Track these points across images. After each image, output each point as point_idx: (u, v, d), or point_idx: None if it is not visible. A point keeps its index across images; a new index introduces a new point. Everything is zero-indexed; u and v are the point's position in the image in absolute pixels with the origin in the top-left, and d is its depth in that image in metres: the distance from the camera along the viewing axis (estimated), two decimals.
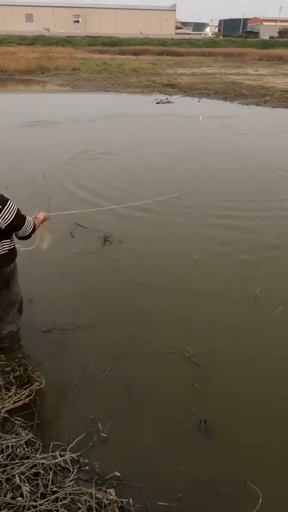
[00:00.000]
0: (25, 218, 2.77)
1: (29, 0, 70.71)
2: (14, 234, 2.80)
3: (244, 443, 2.51)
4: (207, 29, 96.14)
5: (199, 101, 16.49)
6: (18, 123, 11.53)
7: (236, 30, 77.37)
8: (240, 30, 78.34)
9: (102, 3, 76.76)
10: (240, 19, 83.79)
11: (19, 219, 2.72)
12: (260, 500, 2.14)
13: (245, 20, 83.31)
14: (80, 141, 9.64)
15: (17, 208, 2.70)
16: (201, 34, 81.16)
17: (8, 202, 2.64)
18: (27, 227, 2.77)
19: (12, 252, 2.83)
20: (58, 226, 5.02)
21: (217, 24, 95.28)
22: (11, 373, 2.83)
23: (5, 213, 2.61)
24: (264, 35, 63.91)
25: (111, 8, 75.18)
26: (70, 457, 2.28)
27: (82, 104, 15.70)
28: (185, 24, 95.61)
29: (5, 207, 2.62)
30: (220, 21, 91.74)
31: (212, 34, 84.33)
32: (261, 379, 2.98)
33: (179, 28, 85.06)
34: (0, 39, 44.14)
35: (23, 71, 24.74)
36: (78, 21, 73.68)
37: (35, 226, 2.85)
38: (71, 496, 2.07)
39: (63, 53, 34.05)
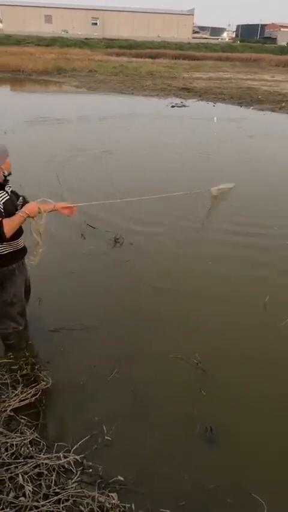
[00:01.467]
0: None
1: (48, 2, 71.65)
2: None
3: (250, 452, 2.47)
4: (225, 34, 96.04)
5: (214, 105, 16.45)
6: (38, 119, 11.66)
7: (253, 36, 77.10)
8: (258, 36, 78.04)
9: (121, 6, 77.32)
10: (258, 25, 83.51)
11: None
12: None
13: (263, 26, 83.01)
14: (90, 139, 9.70)
15: None
16: (218, 39, 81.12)
17: None
18: None
19: (8, 256, 2.71)
20: (69, 227, 5.08)
21: (234, 29, 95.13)
22: (18, 371, 2.83)
23: None
24: (282, 41, 63.52)
25: (130, 11, 75.58)
26: (74, 458, 2.27)
27: (99, 104, 15.78)
28: (203, 28, 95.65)
29: None
30: (238, 26, 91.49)
31: (229, 39, 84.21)
32: (269, 385, 2.94)
33: (197, 32, 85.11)
34: (19, 39, 44.76)
35: (40, 71, 24.99)
36: (96, 24, 74.21)
37: (1, 228, 2.49)
38: (74, 498, 2.05)
39: (80, 54, 34.34)
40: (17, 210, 2.73)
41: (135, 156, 8.83)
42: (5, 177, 2.62)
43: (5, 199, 2.58)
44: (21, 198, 2.86)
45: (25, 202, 2.82)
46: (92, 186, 6.70)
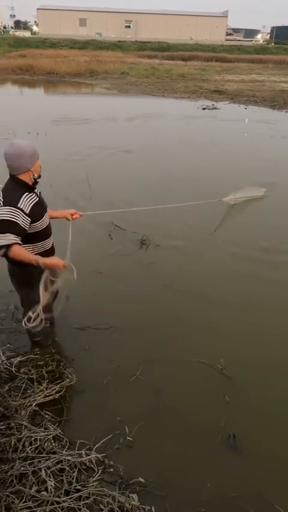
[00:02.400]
0: (2, 232, 2.43)
1: (83, 6, 72.91)
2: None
3: (273, 461, 2.41)
4: (259, 36, 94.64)
5: (246, 108, 16.23)
6: (68, 119, 11.86)
7: None
8: None
9: (154, 9, 77.67)
10: None
11: None
12: None
13: None
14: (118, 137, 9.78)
15: (4, 218, 2.42)
16: (252, 41, 79.99)
17: (6, 207, 2.45)
18: None
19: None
20: (97, 226, 5.14)
21: (269, 31, 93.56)
22: (44, 367, 2.88)
23: None
24: None
25: (163, 14, 75.80)
26: (96, 457, 2.29)
27: (128, 106, 15.90)
28: (236, 30, 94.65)
29: (1, 208, 2.45)
30: (272, 28, 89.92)
31: (263, 41, 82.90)
32: None
33: (230, 34, 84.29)
34: (54, 42, 45.83)
35: (73, 73, 25.50)
36: (129, 27, 74.91)
37: (6, 250, 2.45)
38: (94, 497, 2.07)
39: (112, 57, 34.77)
40: (46, 210, 2.76)
41: (165, 155, 8.83)
42: (35, 179, 2.64)
43: (34, 202, 2.60)
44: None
45: None
46: (118, 187, 6.75)
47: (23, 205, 2.50)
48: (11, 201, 2.48)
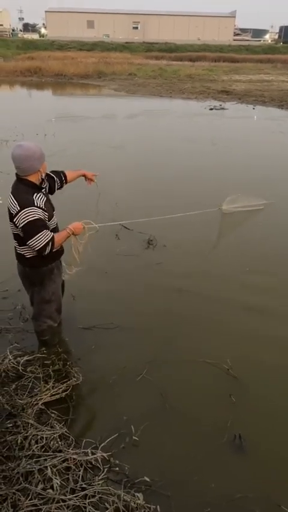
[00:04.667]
0: (37, 232, 2.53)
1: (90, 8, 73.27)
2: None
3: (279, 462, 2.40)
4: (267, 36, 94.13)
5: (254, 108, 16.16)
6: (74, 118, 11.91)
7: None
8: None
9: (161, 10, 77.73)
10: None
11: (29, 230, 2.53)
12: None
13: None
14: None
15: (34, 218, 2.50)
16: (260, 41, 79.58)
17: (27, 209, 2.50)
18: (35, 241, 2.54)
19: (48, 256, 2.72)
20: (104, 227, 5.13)
21: (277, 31, 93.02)
22: (51, 366, 2.90)
23: (19, 217, 2.51)
24: None
25: (170, 15, 75.82)
26: (101, 455, 2.29)
27: (134, 106, 15.94)
28: (244, 30, 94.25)
29: (22, 212, 2.50)
30: (281, 27, 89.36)
31: (271, 41, 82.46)
32: None
33: (238, 35, 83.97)
34: (62, 44, 46.14)
35: (81, 75, 25.65)
36: (137, 28, 75.06)
37: (51, 244, 2.59)
38: (100, 495, 2.08)
39: (120, 58, 34.89)
40: (53, 208, 2.81)
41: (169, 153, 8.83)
42: (42, 179, 2.68)
43: (44, 200, 2.65)
44: (55, 178, 2.92)
45: (60, 178, 2.95)
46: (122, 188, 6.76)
47: (39, 204, 2.57)
48: (28, 202, 2.53)
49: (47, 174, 2.79)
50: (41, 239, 2.55)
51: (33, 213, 2.51)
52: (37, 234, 2.54)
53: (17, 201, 2.54)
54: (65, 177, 2.98)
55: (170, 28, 73.48)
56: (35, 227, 2.53)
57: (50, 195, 2.85)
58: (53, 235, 2.61)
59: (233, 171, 8.01)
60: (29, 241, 2.56)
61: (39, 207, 2.56)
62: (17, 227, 2.60)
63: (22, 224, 2.52)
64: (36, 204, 2.55)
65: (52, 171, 2.91)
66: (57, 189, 2.94)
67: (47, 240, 2.56)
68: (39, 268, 2.82)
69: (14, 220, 2.56)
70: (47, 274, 2.87)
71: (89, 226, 2.89)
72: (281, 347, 3.30)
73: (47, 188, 2.82)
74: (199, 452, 2.43)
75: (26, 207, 2.50)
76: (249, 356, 3.18)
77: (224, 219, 5.28)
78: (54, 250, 2.66)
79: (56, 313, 3.09)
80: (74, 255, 2.96)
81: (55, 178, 2.89)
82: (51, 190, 2.88)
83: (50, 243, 2.59)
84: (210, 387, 2.89)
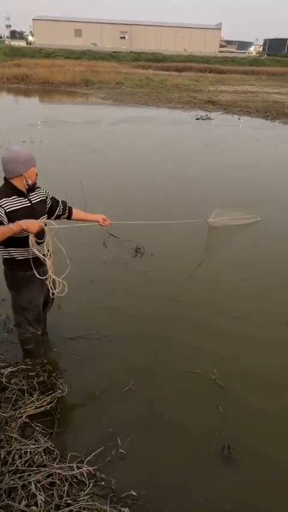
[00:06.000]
0: None
1: (78, 17, 73.77)
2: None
3: (269, 472, 2.38)
4: (252, 48, 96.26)
5: (239, 118, 16.43)
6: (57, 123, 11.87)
7: (281, 50, 76.92)
8: (286, 50, 77.83)
9: (149, 21, 78.75)
10: (286, 39, 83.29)
11: None
12: None
13: None
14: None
15: None
16: (245, 53, 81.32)
17: None
18: None
19: (20, 263, 2.69)
20: (91, 235, 5.12)
21: (262, 44, 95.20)
22: (35, 377, 2.84)
23: None
24: None
25: (157, 26, 76.91)
26: (87, 470, 2.25)
27: (119, 114, 16.04)
28: (229, 42, 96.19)
29: None
30: (265, 40, 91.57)
31: (256, 53, 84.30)
32: None
33: (223, 46, 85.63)
34: (49, 52, 46.22)
35: (68, 83, 25.71)
36: (124, 37, 75.87)
37: None
38: (85, 511, 2.02)
39: (107, 67, 35.13)
40: (42, 217, 2.74)
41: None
42: (28, 185, 2.63)
43: (20, 206, 2.59)
44: (60, 203, 2.90)
45: (65, 207, 2.93)
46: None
47: (5, 205, 2.52)
48: None
49: (53, 198, 2.84)
50: None
51: None
52: None
53: None
54: (70, 211, 2.97)
55: (157, 38, 74.52)
56: None
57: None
58: None
59: (219, 179, 8.09)
60: None
61: (1, 207, 2.52)
62: None
63: None
64: (1, 203, 2.51)
65: (63, 201, 2.93)
66: (60, 215, 2.91)
67: None
68: (16, 272, 2.77)
69: None
70: (23, 282, 2.80)
71: (50, 227, 2.74)
72: (268, 356, 3.31)
73: (47, 208, 2.81)
74: (187, 464, 2.40)
75: None
76: (237, 365, 3.18)
77: (212, 229, 5.33)
78: None
79: (35, 321, 3.00)
80: (44, 262, 2.76)
81: (59, 203, 2.90)
82: (52, 212, 2.86)
83: None
84: (198, 397, 2.87)
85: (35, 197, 2.70)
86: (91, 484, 2.20)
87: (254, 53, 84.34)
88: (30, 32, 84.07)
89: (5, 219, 2.53)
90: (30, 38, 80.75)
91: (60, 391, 2.75)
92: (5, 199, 2.53)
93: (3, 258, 2.74)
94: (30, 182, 2.62)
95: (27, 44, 70.22)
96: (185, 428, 2.62)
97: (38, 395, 2.68)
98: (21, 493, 2.06)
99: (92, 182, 7.17)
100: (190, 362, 3.14)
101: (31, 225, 2.55)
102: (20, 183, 2.59)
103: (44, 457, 2.28)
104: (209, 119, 15.99)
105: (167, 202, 6.55)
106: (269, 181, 8.27)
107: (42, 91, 23.55)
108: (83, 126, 13.30)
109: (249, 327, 3.65)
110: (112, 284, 4.22)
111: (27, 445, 2.32)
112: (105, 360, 3.15)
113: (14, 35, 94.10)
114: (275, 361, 3.26)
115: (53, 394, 2.70)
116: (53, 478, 2.17)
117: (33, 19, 74.24)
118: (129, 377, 2.95)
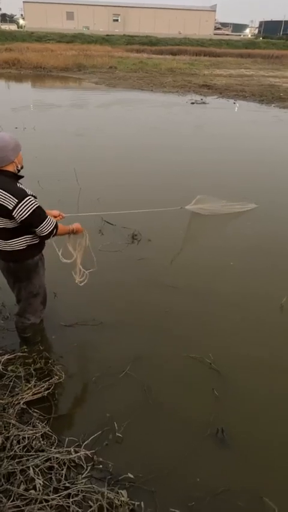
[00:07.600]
0: (44, 218, 2.61)
1: None
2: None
3: (262, 456, 2.43)
4: (247, 30, 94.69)
5: (235, 103, 16.25)
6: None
7: (276, 32, 75.76)
8: (281, 32, 76.63)
9: (142, 3, 76.98)
10: (282, 21, 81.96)
11: (36, 217, 2.55)
12: None
13: (286, 22, 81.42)
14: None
15: (36, 206, 2.53)
16: (240, 35, 79.95)
17: (26, 199, 2.49)
18: (44, 227, 2.60)
19: (36, 247, 2.76)
20: (87, 223, 5.07)
21: (257, 26, 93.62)
22: (32, 364, 2.85)
23: (20, 209, 2.47)
24: None
25: (151, 8, 75.23)
26: (84, 454, 2.28)
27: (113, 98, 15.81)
28: (225, 25, 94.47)
29: (22, 203, 2.47)
30: (260, 22, 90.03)
31: (251, 35, 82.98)
32: (284, 387, 2.88)
33: (218, 29, 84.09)
34: (40, 36, 45.21)
35: (61, 68, 25.19)
36: (117, 20, 74.25)
37: (56, 227, 2.71)
38: (83, 494, 2.06)
39: (101, 51, 34.43)
40: None
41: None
42: (18, 170, 2.63)
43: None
44: None
45: None
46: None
47: (30, 192, 2.59)
48: (23, 192, 2.52)
49: None
50: (49, 224, 2.64)
51: (34, 201, 2.54)
52: (45, 220, 2.61)
53: (11, 194, 2.47)
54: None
55: (150, 21, 72.97)
56: (41, 213, 2.60)
57: None
58: (56, 221, 2.74)
59: (210, 164, 8.04)
60: (39, 228, 2.60)
61: (32, 195, 2.58)
62: (13, 219, 2.52)
63: (27, 214, 2.49)
64: (29, 192, 2.57)
65: None
66: None
67: (54, 224, 2.68)
68: (24, 261, 2.77)
69: (13, 213, 2.48)
70: (33, 268, 2.83)
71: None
72: (263, 341, 3.34)
73: None
74: (183, 447, 2.44)
75: (25, 197, 2.49)
76: (232, 350, 3.21)
77: (204, 217, 5.30)
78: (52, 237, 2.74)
79: (41, 306, 3.05)
80: (75, 256, 3.16)
81: None
82: None
83: (55, 228, 2.70)
84: (194, 382, 2.90)
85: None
86: (89, 467, 2.23)
87: (249, 36, 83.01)
88: (21, 15, 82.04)
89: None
90: (21, 22, 78.83)
91: (57, 377, 2.77)
92: (24, 188, 2.56)
93: (9, 252, 2.70)
94: (20, 167, 2.62)
95: (18, 28, 68.59)
96: (181, 412, 2.66)
97: (35, 382, 2.70)
98: (19, 478, 2.09)
99: (85, 170, 7.11)
100: (186, 347, 3.17)
101: (78, 229, 3.03)
102: (13, 169, 2.58)
103: (42, 442, 2.31)
104: (204, 103, 15.80)
105: (157, 190, 6.51)
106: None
107: (34, 76, 23.09)
108: (74, 111, 13.10)
109: (245, 311, 3.68)
110: (108, 271, 4.20)
111: (25, 430, 2.35)
112: (102, 346, 3.17)
113: (5, 18, 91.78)
114: (270, 345, 3.29)
115: (50, 381, 2.72)
116: (51, 463, 2.20)
117: (23, 1, 72.20)
118: (125, 362, 2.98)
